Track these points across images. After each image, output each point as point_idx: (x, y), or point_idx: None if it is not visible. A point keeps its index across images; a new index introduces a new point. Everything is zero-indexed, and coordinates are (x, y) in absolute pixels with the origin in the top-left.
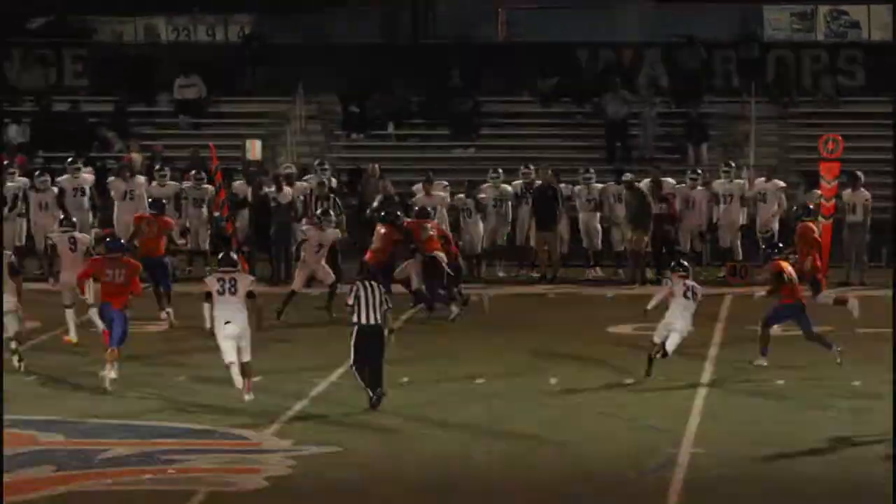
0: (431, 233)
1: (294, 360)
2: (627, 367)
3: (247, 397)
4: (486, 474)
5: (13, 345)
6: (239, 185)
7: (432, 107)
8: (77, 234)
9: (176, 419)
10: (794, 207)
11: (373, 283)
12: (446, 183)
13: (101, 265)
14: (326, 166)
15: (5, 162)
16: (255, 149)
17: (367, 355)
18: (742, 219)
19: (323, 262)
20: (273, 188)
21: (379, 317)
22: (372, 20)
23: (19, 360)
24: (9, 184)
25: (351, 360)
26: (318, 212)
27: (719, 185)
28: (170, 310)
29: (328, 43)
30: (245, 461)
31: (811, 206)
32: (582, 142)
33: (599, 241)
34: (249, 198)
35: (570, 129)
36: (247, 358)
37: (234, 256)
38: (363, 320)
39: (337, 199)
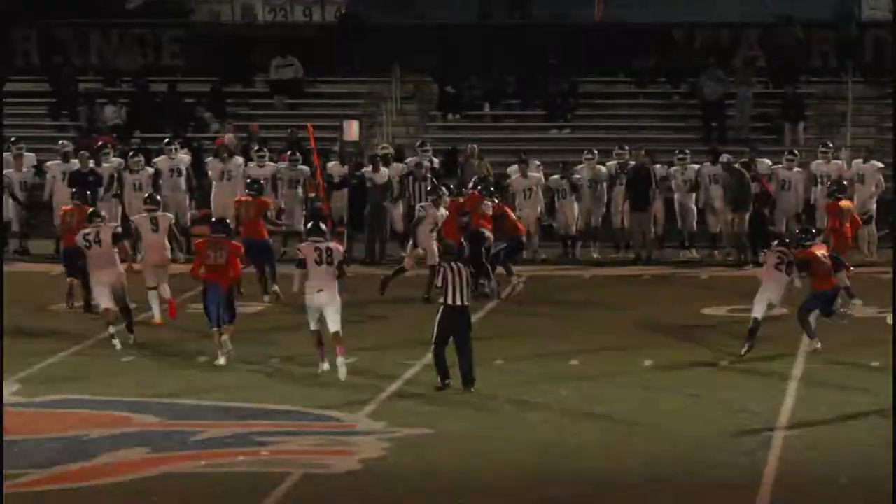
0: (488, 211)
1: (389, 341)
2: (722, 348)
3: (339, 361)
4: (579, 457)
5: (111, 329)
6: (333, 165)
7: (528, 87)
8: (159, 214)
9: (270, 401)
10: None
11: (460, 264)
12: (540, 163)
13: (204, 247)
14: (427, 147)
15: (100, 143)
16: (352, 129)
17: (454, 336)
18: None
19: (432, 243)
20: (369, 168)
21: (466, 298)
22: (469, 0)
23: (111, 338)
24: (104, 164)
25: (433, 339)
26: (429, 189)
27: (816, 165)
28: (276, 287)
29: (424, 23)
30: (338, 443)
31: (844, 183)
32: (677, 122)
33: (695, 223)
34: (346, 178)
35: (666, 109)
36: (336, 327)
37: (323, 225)
38: (450, 301)
39: (435, 180)
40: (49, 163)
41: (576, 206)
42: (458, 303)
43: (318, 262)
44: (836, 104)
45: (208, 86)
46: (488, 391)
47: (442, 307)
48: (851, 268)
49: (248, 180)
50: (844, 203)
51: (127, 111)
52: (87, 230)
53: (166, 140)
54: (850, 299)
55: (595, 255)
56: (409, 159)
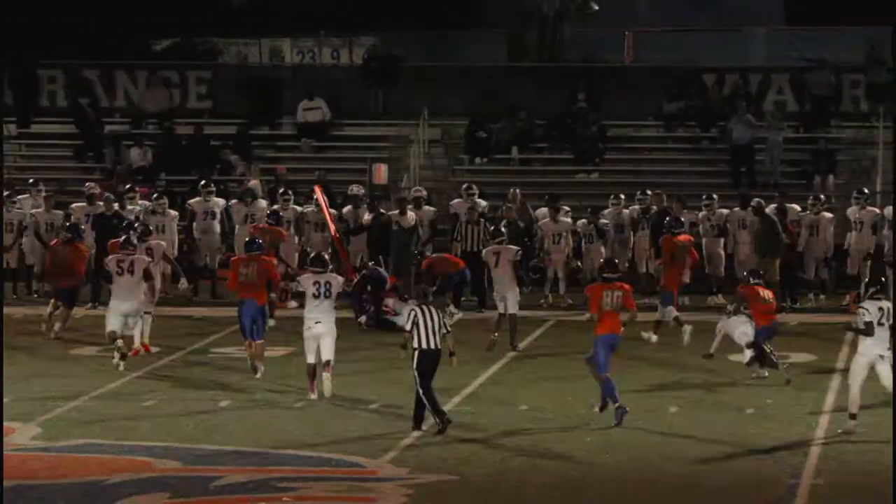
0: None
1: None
2: (749, 394)
3: (325, 376)
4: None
5: (118, 342)
6: (348, 210)
7: (556, 130)
8: (135, 257)
9: (291, 446)
10: None
11: (430, 306)
12: (568, 208)
13: (238, 264)
14: (474, 189)
15: (126, 186)
16: (380, 173)
17: (431, 377)
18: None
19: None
20: (396, 212)
21: (439, 341)
22: (498, 42)
23: (121, 358)
24: (129, 206)
25: (418, 383)
26: (493, 230)
27: (851, 212)
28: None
29: (452, 65)
30: (360, 489)
31: (678, 219)
32: (706, 167)
33: (723, 268)
34: (366, 222)
35: (695, 153)
36: (328, 356)
37: (325, 257)
38: (423, 344)
39: (487, 223)
40: (73, 205)
41: (602, 250)
42: (432, 346)
43: (316, 296)
44: (866, 149)
45: (235, 128)
46: (514, 437)
47: (416, 351)
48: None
49: (269, 212)
50: (681, 239)
51: (153, 153)
52: (121, 257)
53: (202, 182)
54: (680, 326)
55: None
56: (454, 202)
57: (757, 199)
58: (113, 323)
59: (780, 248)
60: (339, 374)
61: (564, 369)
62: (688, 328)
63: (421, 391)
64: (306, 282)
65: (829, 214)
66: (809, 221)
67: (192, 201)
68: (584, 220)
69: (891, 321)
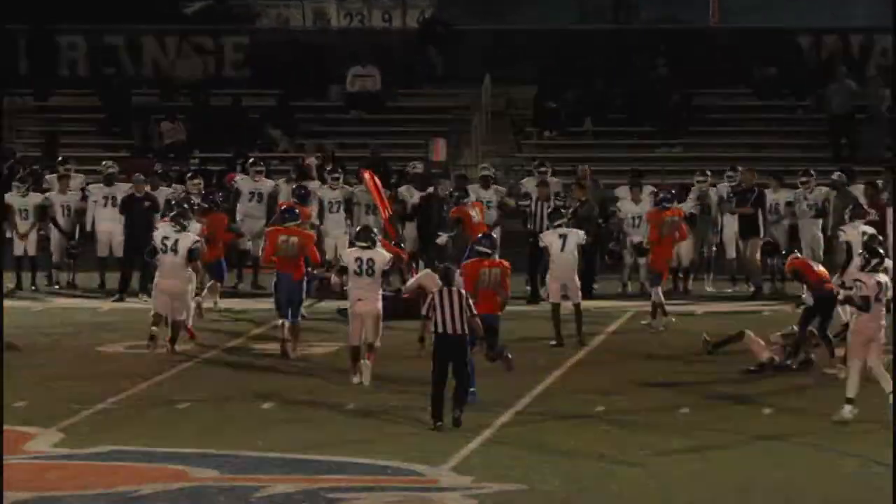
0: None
1: (479, 385)
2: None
3: (361, 378)
4: None
5: (153, 329)
6: (404, 191)
7: (635, 100)
8: (181, 234)
9: (342, 452)
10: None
11: (454, 289)
12: (654, 189)
13: (275, 235)
14: (546, 167)
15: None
16: (438, 148)
17: (452, 365)
18: None
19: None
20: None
21: (459, 325)
22: (568, 2)
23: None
24: (162, 187)
25: (432, 377)
26: (550, 212)
27: None
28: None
29: (518, 28)
30: (419, 500)
31: (671, 192)
32: (803, 139)
33: (822, 252)
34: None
35: (790, 125)
36: (372, 339)
37: (373, 232)
38: (440, 328)
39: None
40: (90, 185)
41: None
42: (450, 330)
43: (359, 273)
44: None
45: (276, 99)
46: (589, 443)
47: (434, 337)
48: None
49: (294, 186)
50: (669, 213)
51: (185, 127)
52: (167, 233)
53: (251, 160)
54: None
55: (709, 289)
56: (524, 180)
57: (838, 172)
58: (157, 304)
59: None
60: (394, 375)
61: (643, 366)
62: (662, 321)
63: (431, 386)
64: (349, 257)
65: None
66: None
67: (238, 178)
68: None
69: (889, 296)
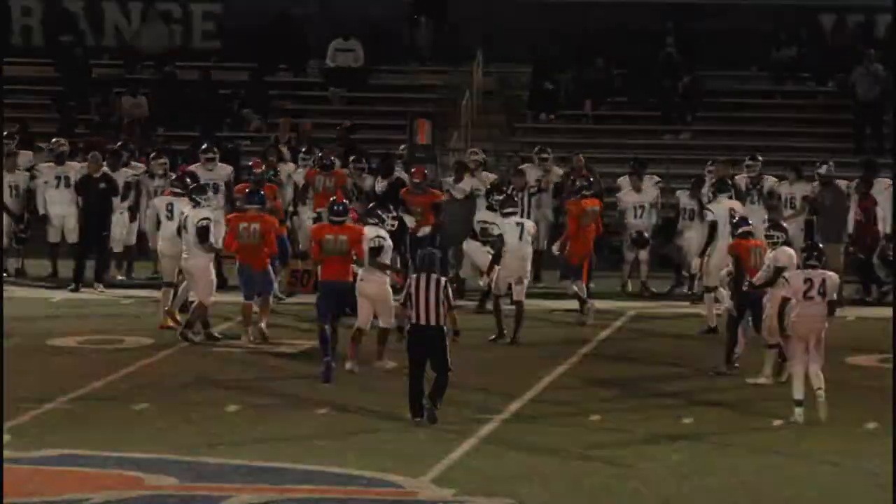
0: None
1: (459, 391)
2: (872, 408)
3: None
4: None
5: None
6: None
7: (639, 82)
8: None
9: (313, 460)
10: None
11: (432, 275)
12: (658, 179)
13: (235, 222)
14: (548, 153)
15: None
16: (423, 130)
17: (430, 359)
18: None
19: None
20: (452, 178)
21: (436, 316)
22: None
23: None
24: (124, 169)
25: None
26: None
27: None
28: (263, 323)
29: (514, 1)
30: None
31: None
32: (823, 128)
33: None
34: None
35: (810, 111)
36: (385, 324)
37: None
38: (414, 319)
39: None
40: (40, 165)
41: (702, 231)
42: (423, 321)
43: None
44: None
45: (248, 74)
46: (583, 452)
47: (409, 328)
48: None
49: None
50: (589, 203)
51: (149, 103)
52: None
53: (203, 147)
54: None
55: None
56: (524, 166)
57: (826, 165)
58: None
59: (843, 231)
60: (370, 375)
61: (644, 371)
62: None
63: (409, 375)
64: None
65: None
66: None
67: (191, 168)
68: (684, 192)
69: (823, 293)
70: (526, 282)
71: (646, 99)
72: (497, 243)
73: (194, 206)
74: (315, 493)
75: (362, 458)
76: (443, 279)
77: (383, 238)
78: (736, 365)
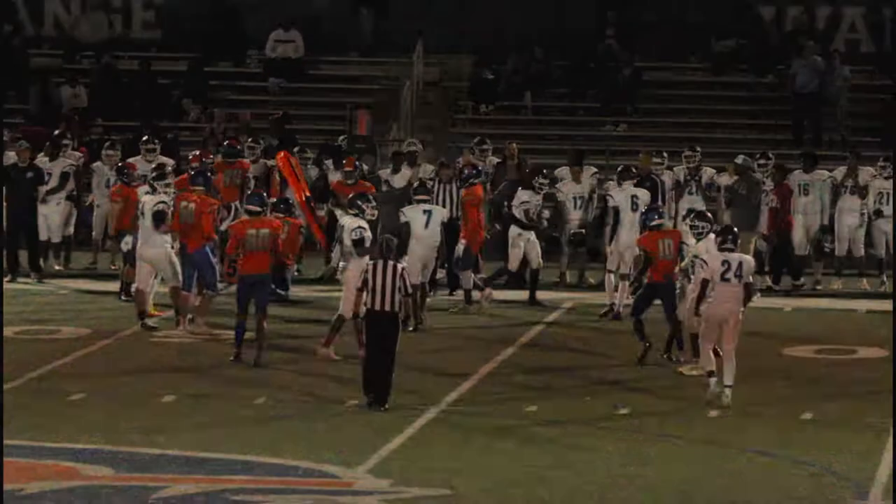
0: None
1: (396, 382)
2: (809, 399)
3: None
4: None
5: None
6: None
7: (579, 74)
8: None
9: (250, 451)
10: None
11: (390, 262)
12: (596, 170)
13: (178, 201)
14: (487, 144)
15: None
16: (363, 121)
17: (377, 348)
18: None
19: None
20: (388, 169)
21: (392, 302)
22: None
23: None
24: (62, 159)
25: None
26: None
27: None
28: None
29: None
30: None
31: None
32: (762, 119)
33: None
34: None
35: (749, 103)
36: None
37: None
38: (369, 304)
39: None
40: None
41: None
42: (377, 307)
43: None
44: None
45: (188, 64)
46: (520, 442)
47: (365, 313)
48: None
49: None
50: (479, 190)
51: (88, 93)
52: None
53: (144, 138)
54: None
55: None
56: (460, 159)
57: (743, 156)
58: (140, 277)
59: (756, 221)
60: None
61: (581, 362)
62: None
63: (364, 361)
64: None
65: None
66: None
67: (132, 160)
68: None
69: (740, 275)
70: (431, 266)
71: (586, 90)
72: (403, 231)
73: (151, 193)
74: (251, 483)
75: (299, 448)
76: (400, 266)
77: (364, 229)
78: (665, 355)
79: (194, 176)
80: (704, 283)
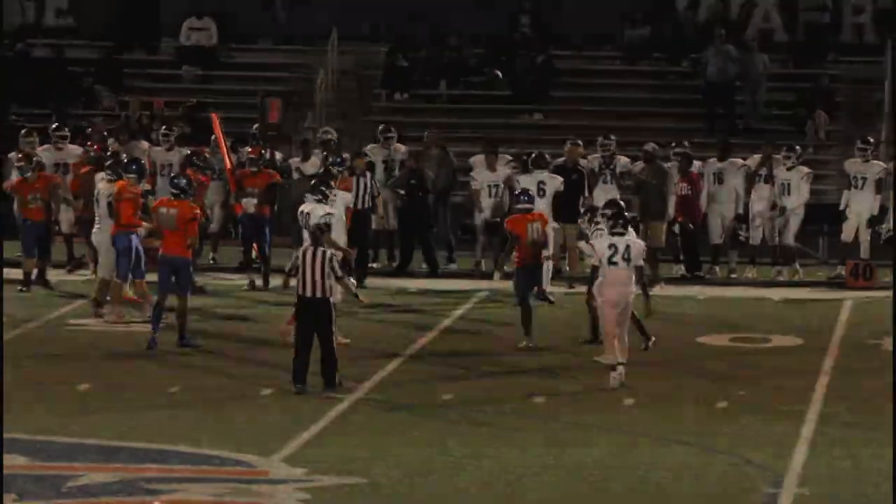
0: None
1: (312, 371)
2: (723, 387)
3: None
4: None
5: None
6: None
7: (493, 62)
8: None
9: (165, 440)
10: None
11: (322, 249)
12: (510, 158)
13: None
14: (393, 132)
15: None
16: (274, 109)
17: (315, 332)
18: (874, 208)
19: None
20: (297, 158)
21: (323, 287)
22: None
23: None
24: None
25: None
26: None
27: (851, 164)
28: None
29: None
30: (247, 493)
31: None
32: (675, 108)
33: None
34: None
35: (662, 91)
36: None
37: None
38: (300, 290)
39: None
40: None
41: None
42: (308, 293)
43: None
44: (872, 90)
45: (100, 51)
46: (434, 433)
47: (297, 299)
48: None
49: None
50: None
51: (1, 80)
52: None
53: (54, 125)
54: None
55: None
56: (369, 147)
57: (651, 144)
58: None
59: (664, 210)
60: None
61: (497, 350)
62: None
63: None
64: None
65: (805, 169)
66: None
67: (41, 149)
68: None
69: (629, 258)
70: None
71: (500, 78)
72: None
73: (108, 181)
74: (166, 472)
75: (215, 437)
76: (328, 252)
77: (331, 215)
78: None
79: (127, 164)
80: (594, 269)
